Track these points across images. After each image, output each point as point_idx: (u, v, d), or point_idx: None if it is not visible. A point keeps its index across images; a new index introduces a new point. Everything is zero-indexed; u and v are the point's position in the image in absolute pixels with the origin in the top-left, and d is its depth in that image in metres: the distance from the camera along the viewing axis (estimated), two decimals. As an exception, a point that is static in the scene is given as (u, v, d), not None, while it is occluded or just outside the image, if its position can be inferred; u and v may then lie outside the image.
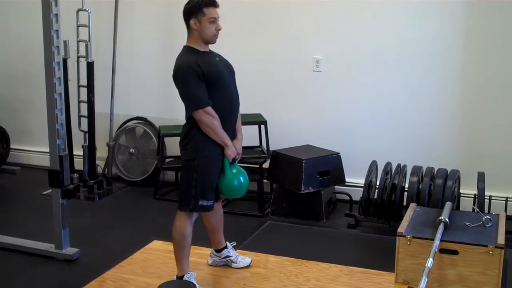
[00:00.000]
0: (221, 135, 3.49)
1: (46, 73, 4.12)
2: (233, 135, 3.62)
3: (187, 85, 3.41)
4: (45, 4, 4.02)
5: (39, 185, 5.59)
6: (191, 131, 3.50)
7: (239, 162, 5.21)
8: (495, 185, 4.94)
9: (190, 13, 3.46)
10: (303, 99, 5.61)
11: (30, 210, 5.37)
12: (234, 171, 3.63)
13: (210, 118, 3.43)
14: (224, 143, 3.51)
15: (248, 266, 3.99)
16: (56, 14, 4.05)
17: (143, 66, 6.12)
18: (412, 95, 5.29)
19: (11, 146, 6.55)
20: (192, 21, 3.46)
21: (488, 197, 4.69)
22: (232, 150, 3.57)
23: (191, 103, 3.43)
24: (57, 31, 4.06)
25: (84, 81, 5.70)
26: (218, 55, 3.64)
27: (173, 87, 5.87)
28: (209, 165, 3.52)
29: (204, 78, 3.41)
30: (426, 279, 3.25)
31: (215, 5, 3.49)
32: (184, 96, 3.45)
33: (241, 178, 3.65)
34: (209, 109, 3.43)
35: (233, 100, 3.61)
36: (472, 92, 5.14)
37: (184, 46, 3.56)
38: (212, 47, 3.63)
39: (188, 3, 3.50)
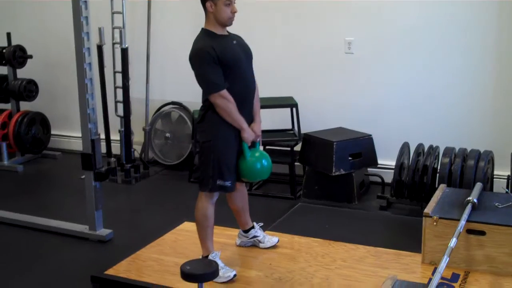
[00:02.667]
0: (237, 119, 3.51)
1: (76, 59, 4.24)
2: (250, 118, 3.64)
3: (202, 69, 3.44)
4: (74, -9, 4.12)
5: (78, 170, 5.70)
6: (206, 113, 3.54)
7: (269, 145, 5.27)
8: (530, 166, 4.85)
9: None
10: (335, 82, 5.60)
11: (69, 193, 5.54)
12: (257, 154, 3.64)
13: (225, 102, 3.45)
14: (240, 127, 3.53)
15: (275, 246, 4.03)
16: (85, 1, 4.16)
17: (177, 52, 6.15)
18: (444, 76, 5.22)
19: (52, 132, 6.74)
20: (208, 4, 3.50)
21: (521, 178, 4.61)
22: (249, 133, 3.58)
23: (207, 87, 3.47)
24: (86, 17, 4.16)
25: (119, 67, 5.80)
26: (236, 38, 3.65)
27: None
28: (225, 146, 3.55)
29: (219, 62, 3.43)
30: (448, 258, 3.22)
31: None
32: (199, 79, 3.49)
33: (264, 161, 3.65)
34: (225, 92, 3.45)
35: (248, 83, 3.61)
36: (505, 72, 5.04)
37: (202, 29, 3.59)
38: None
39: None
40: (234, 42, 3.60)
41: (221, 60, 3.43)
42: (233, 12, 3.52)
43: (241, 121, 3.53)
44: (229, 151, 3.58)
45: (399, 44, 5.33)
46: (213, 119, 3.52)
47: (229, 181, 3.56)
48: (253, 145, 3.66)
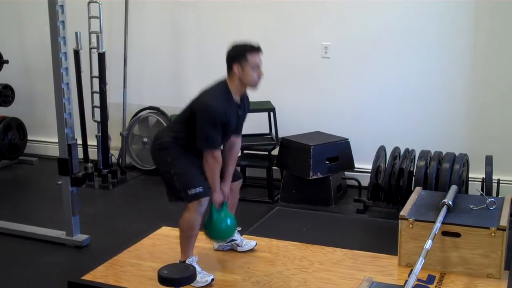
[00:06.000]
0: (215, 180, 3.62)
1: (53, 63, 4.21)
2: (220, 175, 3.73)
3: (208, 125, 3.48)
4: (50, -5, 4.10)
5: (55, 175, 5.68)
6: (173, 142, 3.60)
7: (247, 149, 5.29)
8: (505, 168, 4.92)
9: (233, 58, 3.54)
10: (312, 86, 5.64)
11: (45, 199, 5.50)
12: (222, 215, 3.75)
13: (214, 162, 3.56)
14: (214, 187, 3.63)
15: (253, 250, 4.05)
16: (62, 6, 4.12)
17: (154, 56, 6.20)
18: (420, 80, 5.28)
19: (29, 138, 6.68)
20: (235, 67, 3.53)
21: (496, 181, 4.67)
22: (219, 195, 3.69)
23: (206, 142, 3.52)
24: (63, 22, 4.13)
25: (96, 72, 5.78)
26: (242, 106, 3.71)
27: (184, 76, 6.09)
28: (183, 159, 3.60)
29: (222, 125, 3.53)
30: (424, 260, 3.26)
31: (259, 51, 3.57)
32: (201, 131, 3.51)
33: (228, 221, 3.77)
34: (218, 153, 3.57)
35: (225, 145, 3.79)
36: (480, 75, 5.11)
37: (224, 81, 3.61)
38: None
39: (232, 48, 3.58)
40: (239, 113, 3.67)
41: (224, 125, 3.53)
42: (260, 76, 3.58)
43: (216, 183, 3.64)
44: (188, 162, 3.61)
45: (375, 48, 5.38)
46: (176, 149, 3.60)
47: (200, 187, 3.56)
48: (220, 205, 3.75)
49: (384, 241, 4.28)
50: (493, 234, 3.55)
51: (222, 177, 3.73)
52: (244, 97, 3.74)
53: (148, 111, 6.15)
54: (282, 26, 5.63)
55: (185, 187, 3.55)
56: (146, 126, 6.15)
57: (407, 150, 4.90)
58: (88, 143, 6.04)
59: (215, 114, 3.46)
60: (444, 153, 4.73)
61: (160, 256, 4.02)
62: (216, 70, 5.80)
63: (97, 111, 5.88)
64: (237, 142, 3.82)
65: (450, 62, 5.16)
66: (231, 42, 3.61)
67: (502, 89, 5.07)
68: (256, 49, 3.56)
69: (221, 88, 3.58)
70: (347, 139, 5.29)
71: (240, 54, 3.52)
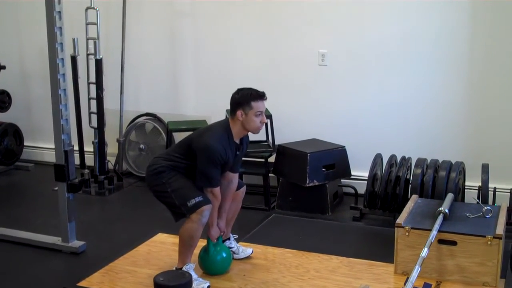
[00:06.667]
0: (213, 216, 3.72)
1: (50, 69, 4.21)
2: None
3: (208, 165, 3.60)
4: (48, 2, 4.09)
5: (51, 181, 5.67)
6: (169, 167, 3.67)
7: (244, 156, 5.30)
8: (501, 177, 4.93)
9: (237, 104, 3.62)
10: (309, 93, 5.65)
11: (41, 205, 5.48)
12: (218, 248, 3.83)
13: (213, 198, 3.67)
14: (211, 223, 3.74)
15: (249, 257, 4.06)
16: (59, 12, 4.12)
17: (151, 63, 6.20)
18: (417, 88, 5.29)
19: (26, 144, 6.68)
20: (238, 112, 3.62)
21: (492, 189, 4.67)
22: (216, 230, 3.81)
23: (206, 180, 3.64)
24: (60, 28, 4.14)
25: (93, 78, 5.78)
26: (241, 146, 3.80)
27: (181, 83, 6.10)
28: (178, 177, 3.67)
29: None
30: (420, 268, 3.26)
31: (263, 98, 3.66)
32: (202, 170, 3.63)
33: (224, 254, 3.85)
34: (217, 190, 3.68)
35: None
36: (477, 84, 5.12)
37: (227, 122, 3.72)
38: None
39: (237, 93, 3.66)
40: (238, 153, 3.77)
41: (223, 164, 3.66)
42: (262, 123, 3.67)
43: (214, 220, 3.76)
44: (184, 179, 3.68)
45: (372, 56, 5.39)
46: (172, 172, 3.67)
47: (199, 196, 3.60)
48: (216, 239, 3.85)
49: (380, 249, 4.28)
50: (489, 243, 3.56)
51: (219, 212, 3.82)
52: (244, 137, 3.81)
53: (145, 117, 6.16)
54: (279, 34, 5.64)
55: (184, 200, 3.58)
56: (143, 132, 6.15)
57: (403, 158, 4.91)
58: (85, 149, 6.04)
59: (216, 154, 3.56)
60: (440, 161, 4.74)
61: (156, 263, 4.02)
62: (213, 77, 5.91)
63: (94, 117, 5.88)
64: (234, 178, 3.90)
65: (447, 71, 5.16)
66: (238, 88, 3.72)
67: (498, 98, 5.08)
68: (260, 97, 3.66)
69: (223, 129, 3.68)
70: (344, 146, 5.30)
71: (244, 101, 3.61)
